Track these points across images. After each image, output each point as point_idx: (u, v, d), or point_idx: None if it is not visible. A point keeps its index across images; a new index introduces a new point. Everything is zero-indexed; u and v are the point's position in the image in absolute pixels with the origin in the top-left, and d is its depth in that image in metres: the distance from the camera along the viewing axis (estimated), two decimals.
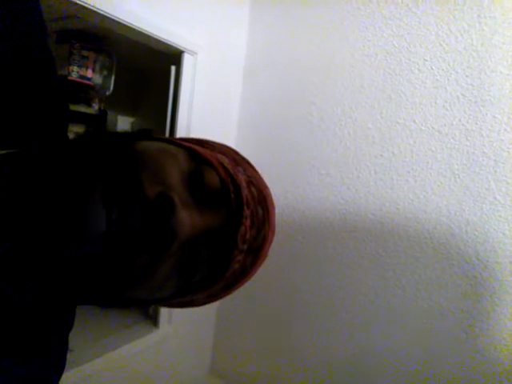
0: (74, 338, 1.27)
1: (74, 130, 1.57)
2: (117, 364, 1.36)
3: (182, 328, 1.63)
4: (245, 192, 0.38)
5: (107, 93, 1.60)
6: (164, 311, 1.53)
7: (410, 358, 1.35)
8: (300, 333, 1.58)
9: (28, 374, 0.35)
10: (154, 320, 1.55)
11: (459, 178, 1.24)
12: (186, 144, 0.40)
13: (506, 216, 1.17)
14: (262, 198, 0.41)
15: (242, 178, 0.39)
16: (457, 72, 1.24)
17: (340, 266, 1.47)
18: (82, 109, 1.58)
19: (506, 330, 1.19)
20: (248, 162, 0.46)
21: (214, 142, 0.47)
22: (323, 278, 1.51)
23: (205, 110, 1.49)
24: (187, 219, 0.32)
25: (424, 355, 1.32)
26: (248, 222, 0.37)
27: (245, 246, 0.38)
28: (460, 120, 1.23)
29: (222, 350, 1.84)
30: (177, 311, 1.56)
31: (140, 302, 0.40)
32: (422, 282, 1.31)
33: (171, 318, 1.56)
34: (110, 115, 1.79)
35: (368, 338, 1.42)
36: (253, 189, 0.40)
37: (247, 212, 0.37)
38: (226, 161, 0.40)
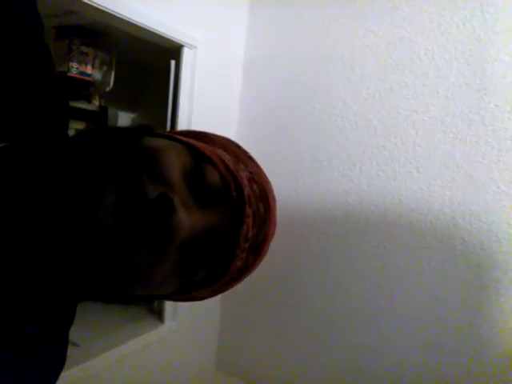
0: (79, 333, 1.28)
1: (75, 126, 1.57)
2: (122, 359, 1.36)
3: (187, 323, 1.64)
4: (246, 190, 0.38)
5: (107, 89, 1.60)
6: (169, 307, 1.54)
7: (414, 350, 1.35)
8: (305, 327, 1.59)
9: (27, 369, 0.35)
10: (158, 315, 1.56)
11: (462, 168, 1.23)
12: (186, 140, 0.39)
13: (510, 205, 1.17)
14: (263, 195, 0.40)
15: (243, 175, 0.39)
16: (459, 61, 1.23)
17: (343, 258, 1.46)
18: (82, 105, 1.58)
19: (510, 320, 1.19)
20: (250, 157, 0.46)
21: (214, 136, 0.46)
22: (326, 271, 1.51)
23: (205, 104, 1.48)
24: (186, 220, 0.33)
25: (427, 347, 1.32)
26: (250, 221, 0.37)
27: (247, 245, 0.38)
28: (462, 109, 1.22)
29: (228, 345, 1.84)
30: (182, 306, 1.56)
31: (142, 298, 0.41)
32: (426, 274, 1.31)
33: (176, 313, 1.56)
34: (111, 111, 1.78)
35: (371, 330, 1.43)
36: (254, 186, 0.40)
37: (249, 210, 0.37)
38: (227, 157, 0.40)
